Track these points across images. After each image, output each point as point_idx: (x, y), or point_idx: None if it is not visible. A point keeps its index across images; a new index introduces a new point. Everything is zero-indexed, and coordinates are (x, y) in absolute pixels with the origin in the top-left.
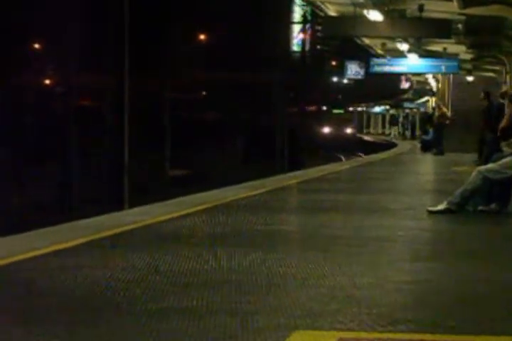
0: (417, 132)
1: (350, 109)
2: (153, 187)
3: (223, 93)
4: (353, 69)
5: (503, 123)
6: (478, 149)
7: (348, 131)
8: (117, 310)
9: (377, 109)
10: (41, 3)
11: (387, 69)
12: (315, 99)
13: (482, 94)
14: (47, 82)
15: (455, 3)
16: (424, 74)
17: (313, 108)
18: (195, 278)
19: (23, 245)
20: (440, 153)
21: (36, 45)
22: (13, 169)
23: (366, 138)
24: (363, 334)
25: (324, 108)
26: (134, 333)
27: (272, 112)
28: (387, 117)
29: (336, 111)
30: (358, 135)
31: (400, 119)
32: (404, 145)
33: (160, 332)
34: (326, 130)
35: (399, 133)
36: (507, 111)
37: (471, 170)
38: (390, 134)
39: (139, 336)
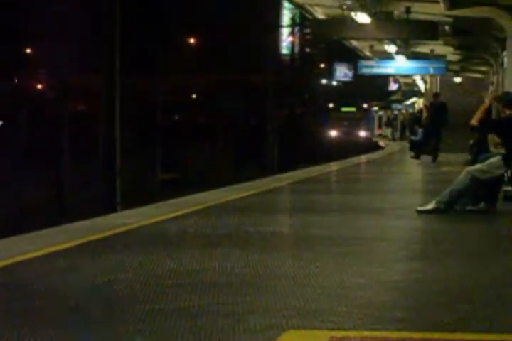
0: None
1: (365, 106)
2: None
3: (215, 96)
4: (342, 71)
5: (479, 114)
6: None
7: (361, 133)
8: (110, 311)
9: None
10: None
11: (375, 71)
12: (307, 99)
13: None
14: (39, 85)
15: (442, 5)
16: (412, 75)
17: (310, 108)
18: (188, 279)
19: (16, 248)
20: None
21: (28, 49)
22: (7, 172)
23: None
24: (354, 333)
25: (331, 105)
26: (126, 334)
27: (262, 114)
28: (376, 118)
29: (345, 109)
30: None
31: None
32: (393, 147)
33: (152, 332)
34: (333, 133)
35: (391, 134)
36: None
37: (460, 170)
38: (381, 135)
39: (132, 337)
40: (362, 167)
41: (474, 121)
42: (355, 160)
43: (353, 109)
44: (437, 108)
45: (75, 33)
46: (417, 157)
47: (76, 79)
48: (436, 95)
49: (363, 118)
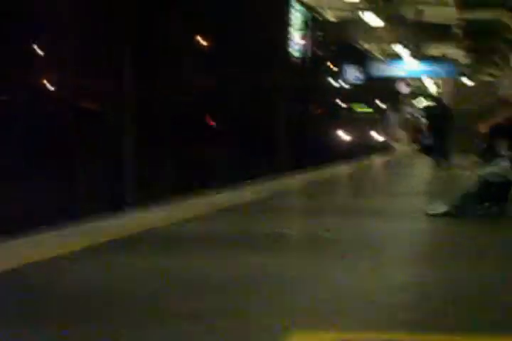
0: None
1: (383, 106)
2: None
3: (225, 97)
4: (353, 74)
5: (493, 121)
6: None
7: (378, 138)
8: (119, 314)
9: None
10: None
11: (386, 73)
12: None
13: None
14: (48, 84)
15: (453, 8)
16: (423, 78)
17: (319, 109)
18: (197, 281)
19: (24, 250)
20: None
21: (35, 46)
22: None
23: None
24: (362, 335)
25: (343, 105)
26: (133, 336)
27: (273, 116)
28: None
29: (360, 109)
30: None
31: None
32: (405, 149)
33: (163, 335)
34: (345, 137)
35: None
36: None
37: (471, 173)
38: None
39: (138, 339)
40: (373, 169)
41: (483, 128)
42: (366, 162)
43: (369, 110)
44: (442, 111)
45: (82, 33)
46: (437, 164)
47: (85, 79)
48: (437, 100)
49: (381, 120)
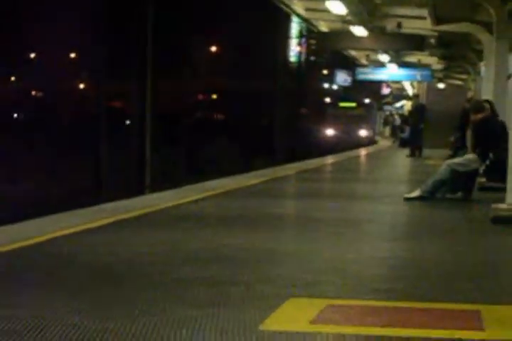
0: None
1: (367, 101)
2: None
3: (229, 97)
4: (342, 77)
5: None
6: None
7: (362, 133)
8: (139, 280)
9: None
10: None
11: (370, 77)
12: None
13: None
14: (80, 86)
15: (429, 21)
16: (402, 81)
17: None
18: (205, 254)
19: (57, 224)
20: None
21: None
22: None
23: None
24: (349, 302)
25: (328, 100)
26: (151, 299)
27: (271, 114)
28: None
29: (344, 104)
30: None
31: (382, 120)
32: (385, 143)
33: (175, 298)
34: (329, 132)
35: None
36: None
37: (441, 163)
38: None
39: (157, 302)
40: (355, 160)
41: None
42: (349, 154)
43: (352, 104)
44: (418, 109)
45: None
46: (412, 155)
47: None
48: (416, 96)
49: (364, 115)
